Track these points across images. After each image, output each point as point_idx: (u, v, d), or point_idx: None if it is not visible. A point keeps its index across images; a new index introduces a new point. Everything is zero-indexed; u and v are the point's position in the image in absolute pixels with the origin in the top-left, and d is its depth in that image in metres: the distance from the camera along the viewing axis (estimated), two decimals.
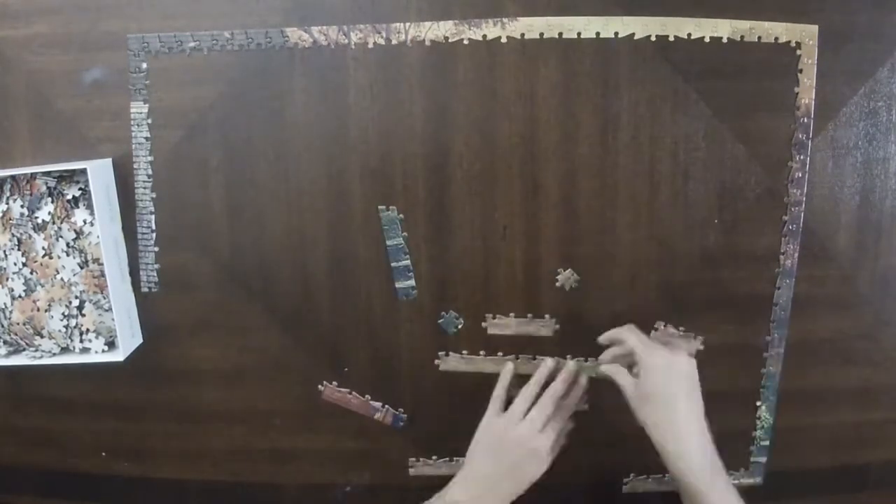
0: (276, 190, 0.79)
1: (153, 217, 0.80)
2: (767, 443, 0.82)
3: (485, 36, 0.75)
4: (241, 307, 0.81)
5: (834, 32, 0.74)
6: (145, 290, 0.81)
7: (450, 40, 0.75)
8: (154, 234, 0.80)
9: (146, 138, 0.78)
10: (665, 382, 0.69)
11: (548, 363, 0.76)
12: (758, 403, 0.81)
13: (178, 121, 0.77)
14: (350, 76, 0.76)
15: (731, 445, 0.81)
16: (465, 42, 0.75)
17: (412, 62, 0.76)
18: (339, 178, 0.78)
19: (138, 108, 0.77)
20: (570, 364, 0.76)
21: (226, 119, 0.77)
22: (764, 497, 0.84)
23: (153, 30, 0.76)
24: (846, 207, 0.78)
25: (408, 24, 0.75)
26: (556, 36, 0.74)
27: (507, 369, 0.78)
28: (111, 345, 0.80)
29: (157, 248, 0.80)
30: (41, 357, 0.78)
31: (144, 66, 0.76)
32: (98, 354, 0.79)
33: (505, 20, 0.74)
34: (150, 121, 0.77)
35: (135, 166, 0.78)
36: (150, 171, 0.78)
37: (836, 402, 0.82)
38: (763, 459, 0.83)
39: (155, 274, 0.81)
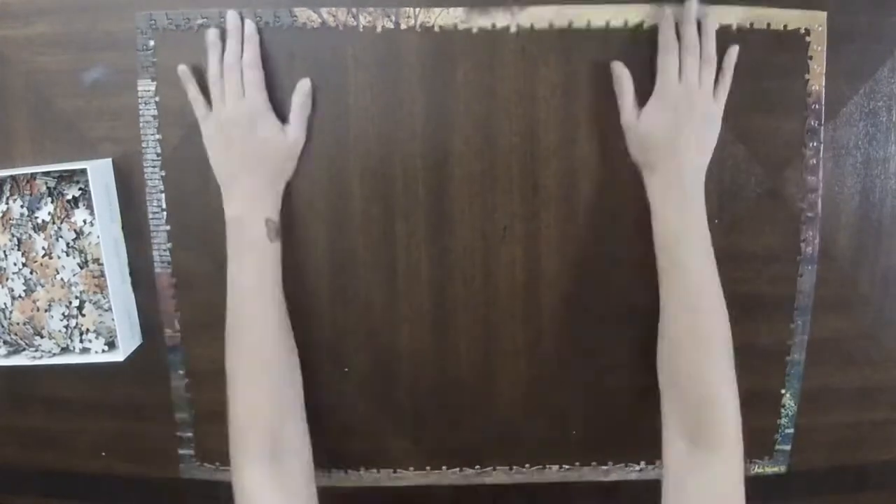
0: None
1: (163, 195, 0.79)
2: (792, 430, 0.82)
3: (494, 24, 0.75)
4: None
5: (835, 32, 0.74)
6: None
7: (459, 27, 0.75)
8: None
9: (154, 116, 0.77)
10: (671, 124, 0.70)
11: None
12: (782, 391, 0.81)
13: (179, 121, 0.77)
14: (350, 75, 0.76)
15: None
16: (475, 31, 0.75)
17: (412, 61, 0.76)
18: (339, 177, 0.78)
19: (146, 86, 0.77)
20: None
21: None
22: (763, 497, 0.84)
23: (161, 7, 0.75)
24: (846, 207, 0.78)
25: (417, 10, 0.75)
26: (566, 25, 0.74)
27: None
28: (111, 345, 0.80)
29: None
30: (41, 357, 0.78)
31: (152, 43, 0.76)
32: (98, 354, 0.79)
33: (515, 9, 0.74)
34: (157, 99, 0.77)
35: (143, 145, 0.78)
36: (158, 150, 0.78)
37: (836, 402, 0.82)
38: (787, 447, 0.83)
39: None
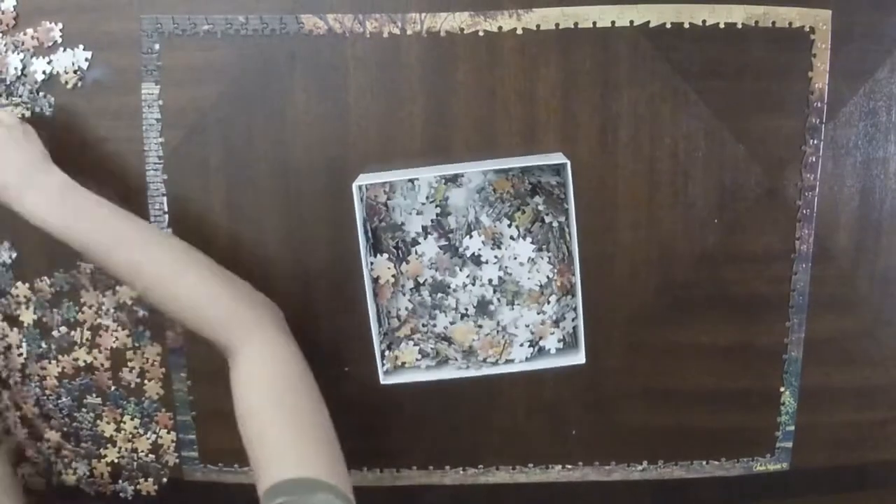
0: (276, 190, 0.78)
1: (165, 198, 0.79)
2: (793, 428, 0.82)
3: (500, 28, 0.75)
4: None
5: (834, 32, 0.74)
6: None
7: (465, 32, 0.75)
8: None
9: (157, 119, 0.77)
10: None
11: None
12: (781, 389, 0.81)
13: (180, 122, 0.77)
14: (350, 75, 0.76)
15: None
16: (481, 34, 0.75)
17: (412, 62, 0.76)
18: (339, 177, 0.78)
19: (150, 89, 0.77)
20: None
21: (225, 119, 0.77)
22: (765, 494, 0.84)
23: (166, 11, 0.76)
24: (846, 207, 0.78)
25: (423, 15, 0.75)
26: (572, 26, 0.74)
27: None
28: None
29: None
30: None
31: (157, 46, 0.76)
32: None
33: (520, 11, 0.74)
34: (161, 102, 0.77)
35: (145, 148, 0.78)
36: (161, 153, 0.78)
37: (836, 402, 0.82)
38: (789, 444, 0.83)
39: None
